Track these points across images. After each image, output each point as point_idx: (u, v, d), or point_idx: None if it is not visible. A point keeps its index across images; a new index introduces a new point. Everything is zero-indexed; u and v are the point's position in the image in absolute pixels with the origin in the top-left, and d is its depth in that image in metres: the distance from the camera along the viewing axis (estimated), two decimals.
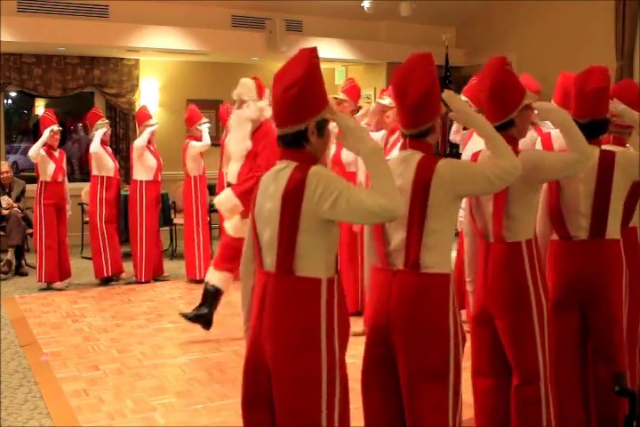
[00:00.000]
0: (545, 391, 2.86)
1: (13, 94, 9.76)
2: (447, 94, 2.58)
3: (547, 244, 3.22)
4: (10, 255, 7.48)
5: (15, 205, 7.78)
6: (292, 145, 2.32)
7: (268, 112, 4.95)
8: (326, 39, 9.61)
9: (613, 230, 3.13)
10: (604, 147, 3.19)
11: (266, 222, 2.34)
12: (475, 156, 2.97)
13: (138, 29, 8.50)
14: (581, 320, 3.18)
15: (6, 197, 7.79)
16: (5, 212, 7.68)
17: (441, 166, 2.48)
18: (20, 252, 7.64)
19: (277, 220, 2.28)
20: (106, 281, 7.04)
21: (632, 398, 2.53)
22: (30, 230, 7.75)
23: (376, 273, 2.65)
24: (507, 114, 2.82)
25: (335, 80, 10.84)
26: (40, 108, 9.99)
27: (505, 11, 9.92)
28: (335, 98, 5.52)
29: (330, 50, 9.65)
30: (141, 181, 7.03)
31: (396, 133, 5.04)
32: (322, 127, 2.31)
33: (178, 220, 8.53)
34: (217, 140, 7.83)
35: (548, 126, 4.76)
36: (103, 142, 6.99)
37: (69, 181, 7.31)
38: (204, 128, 7.10)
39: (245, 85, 5.05)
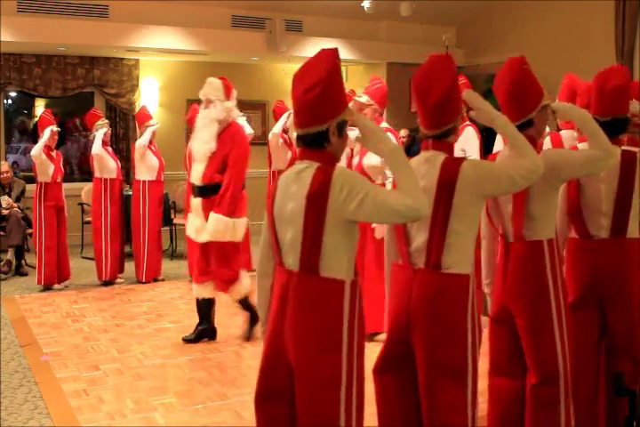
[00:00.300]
0: (565, 392, 2.84)
1: (13, 94, 9.76)
2: (468, 94, 2.60)
3: (565, 242, 3.23)
4: (10, 255, 7.49)
5: (15, 205, 7.79)
6: (312, 145, 2.33)
7: (236, 113, 4.94)
8: (326, 39, 9.61)
9: (633, 229, 3.15)
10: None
11: (288, 223, 2.34)
12: (493, 156, 2.99)
13: (138, 29, 8.51)
14: (600, 319, 3.18)
15: (6, 197, 7.80)
16: (5, 212, 7.68)
17: (465, 167, 2.51)
18: (20, 252, 7.64)
19: (301, 220, 2.29)
20: (107, 283, 7.03)
21: (632, 398, 2.53)
22: (30, 230, 7.76)
23: (397, 270, 2.69)
24: (526, 114, 2.83)
25: None
26: (40, 108, 9.99)
27: (505, 11, 9.92)
28: (358, 102, 5.30)
29: None
30: (144, 181, 7.03)
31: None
32: (342, 128, 2.33)
33: (178, 220, 8.54)
34: None
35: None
36: (104, 143, 6.98)
37: (69, 181, 7.31)
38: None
39: (212, 85, 4.96)
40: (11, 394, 4.14)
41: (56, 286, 6.85)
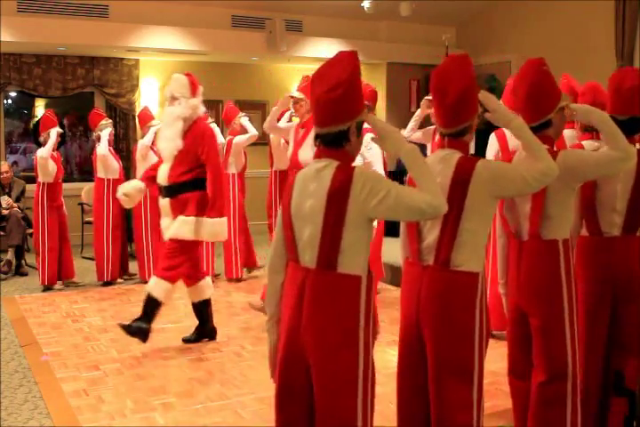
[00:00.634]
0: (572, 390, 2.86)
1: (13, 94, 9.76)
2: (483, 95, 2.63)
3: (575, 239, 3.25)
4: (10, 255, 7.49)
5: (15, 205, 7.79)
6: (331, 144, 2.37)
7: (202, 110, 4.86)
8: (326, 39, 9.62)
9: None
10: None
11: (306, 220, 2.38)
12: (509, 156, 3.02)
13: (138, 29, 8.51)
14: (610, 315, 3.20)
15: (6, 197, 7.80)
16: (5, 212, 7.68)
17: (480, 166, 2.54)
18: (20, 252, 7.64)
19: (321, 217, 2.32)
20: (108, 284, 7.03)
21: (632, 398, 2.53)
22: (30, 230, 7.76)
23: (408, 267, 2.73)
24: (545, 114, 2.86)
25: None
26: (40, 108, 9.99)
27: (505, 11, 9.92)
28: (292, 97, 5.41)
29: (330, 50, 9.63)
30: None
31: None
32: (360, 128, 2.39)
33: None
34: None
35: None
36: (108, 143, 6.99)
37: (69, 181, 7.31)
38: (214, 128, 7.09)
39: (178, 82, 4.90)
40: (11, 394, 4.14)
41: (56, 286, 6.85)
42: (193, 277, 4.96)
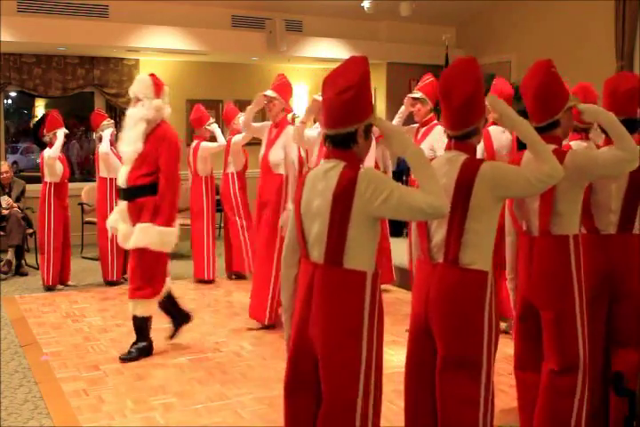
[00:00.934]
0: (582, 382, 2.91)
1: (13, 94, 9.77)
2: (491, 98, 2.70)
3: None
4: (10, 255, 7.49)
5: (15, 205, 7.78)
6: (340, 145, 2.45)
7: (167, 111, 4.71)
8: (326, 39, 9.62)
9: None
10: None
11: (314, 218, 2.47)
12: (518, 157, 3.07)
13: (138, 29, 8.51)
14: (607, 311, 3.25)
15: (6, 197, 7.79)
16: (5, 212, 7.68)
17: (484, 168, 2.59)
18: (20, 252, 7.64)
19: (327, 215, 2.42)
20: (112, 283, 7.03)
21: (632, 398, 2.54)
22: (30, 230, 7.76)
23: (419, 265, 2.80)
24: (552, 115, 2.93)
25: None
26: (40, 108, 10.00)
27: (505, 11, 9.92)
28: (265, 95, 5.34)
29: (330, 50, 9.65)
30: None
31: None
32: (368, 131, 2.47)
33: (177, 220, 8.51)
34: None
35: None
36: (110, 143, 7.00)
37: (69, 181, 7.30)
38: (216, 128, 7.10)
39: (142, 82, 4.75)
40: (11, 394, 4.14)
41: (58, 286, 6.86)
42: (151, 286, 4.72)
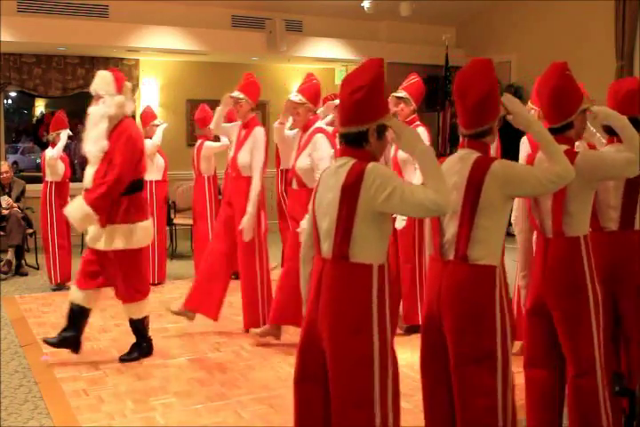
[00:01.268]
0: (602, 381, 2.96)
1: (13, 94, 9.77)
2: (506, 98, 2.74)
3: None
4: (10, 255, 7.49)
5: (15, 205, 7.79)
6: (352, 143, 2.52)
7: (129, 108, 4.58)
8: (326, 39, 9.62)
9: None
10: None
11: (325, 212, 2.53)
12: (531, 158, 3.13)
13: (138, 29, 8.52)
14: (613, 307, 3.30)
15: (6, 197, 7.80)
16: (5, 212, 7.68)
17: (495, 166, 2.63)
18: (20, 252, 7.64)
19: (335, 210, 2.47)
20: None
21: (632, 398, 2.54)
22: (30, 230, 7.76)
23: (431, 263, 2.85)
24: (567, 117, 3.00)
25: (335, 80, 10.85)
26: (40, 108, 10.00)
27: (505, 11, 9.93)
28: (232, 97, 5.26)
29: (330, 50, 9.66)
30: (151, 181, 7.03)
31: (310, 130, 4.84)
32: (381, 131, 2.51)
33: (178, 220, 8.53)
34: None
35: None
36: None
37: (70, 180, 7.31)
38: None
39: (102, 79, 4.61)
40: (11, 394, 4.14)
41: (67, 284, 6.88)
42: (86, 283, 4.61)
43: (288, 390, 4.14)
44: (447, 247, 2.71)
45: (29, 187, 8.17)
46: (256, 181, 5.11)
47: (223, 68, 9.86)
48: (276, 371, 4.52)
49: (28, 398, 4.09)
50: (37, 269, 7.73)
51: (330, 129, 5.93)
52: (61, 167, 6.82)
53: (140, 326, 4.77)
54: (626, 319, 3.30)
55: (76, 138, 10.35)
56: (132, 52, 9.05)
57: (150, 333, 4.85)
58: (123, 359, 4.71)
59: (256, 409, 3.91)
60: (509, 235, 3.02)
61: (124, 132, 4.46)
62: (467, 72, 2.75)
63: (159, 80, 9.69)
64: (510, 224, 3.40)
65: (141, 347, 4.79)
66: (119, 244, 4.47)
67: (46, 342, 4.63)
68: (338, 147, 5.59)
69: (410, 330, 5.14)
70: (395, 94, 5.40)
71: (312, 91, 4.99)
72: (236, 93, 5.24)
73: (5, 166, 7.99)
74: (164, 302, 6.35)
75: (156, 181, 7.06)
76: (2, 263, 7.46)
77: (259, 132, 5.21)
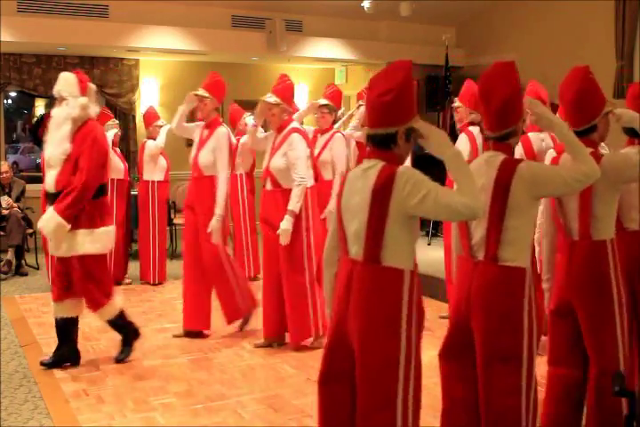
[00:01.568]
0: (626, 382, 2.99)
1: (13, 94, 9.78)
2: (530, 101, 2.79)
3: None
4: (10, 255, 7.50)
5: (15, 205, 7.79)
6: (380, 145, 2.51)
7: (93, 110, 4.49)
8: (326, 39, 9.62)
9: None
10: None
11: (353, 215, 2.53)
12: (556, 159, 3.18)
13: (138, 29, 8.51)
14: (633, 305, 3.33)
15: (6, 197, 7.80)
16: (5, 212, 7.68)
17: (522, 168, 2.66)
18: (20, 252, 7.65)
19: (366, 212, 2.47)
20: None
21: (632, 399, 2.53)
22: (30, 230, 7.76)
23: (460, 262, 2.87)
24: (591, 120, 3.06)
25: (335, 80, 10.85)
26: (40, 108, 10.00)
27: (505, 11, 9.92)
28: (196, 95, 5.14)
29: (330, 50, 9.66)
30: (153, 182, 7.03)
31: (285, 130, 4.79)
32: (409, 134, 2.50)
33: (178, 220, 8.53)
34: None
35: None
36: (113, 143, 6.99)
37: None
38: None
39: (65, 80, 4.53)
40: (11, 394, 4.14)
41: None
42: (66, 292, 4.51)
43: (288, 390, 4.16)
44: (477, 249, 2.75)
45: (29, 187, 8.17)
46: (222, 182, 5.03)
47: (223, 68, 9.79)
48: (276, 371, 4.52)
49: (28, 398, 4.09)
50: (37, 269, 7.73)
51: (311, 129, 5.95)
52: None
53: (116, 321, 4.65)
54: None
55: None
56: (131, 52, 9.05)
57: (149, 333, 4.82)
58: (119, 360, 4.68)
59: (256, 409, 3.91)
60: None
61: (88, 135, 4.37)
62: (490, 75, 2.79)
63: (159, 80, 9.69)
64: None
65: (128, 338, 4.72)
66: (82, 249, 4.36)
67: (43, 364, 4.55)
68: (316, 147, 5.66)
69: None
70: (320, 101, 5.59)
71: (286, 91, 4.94)
72: (202, 91, 5.15)
73: (5, 166, 7.99)
74: (164, 302, 6.36)
75: (159, 182, 7.07)
76: (2, 263, 7.46)
77: (222, 131, 5.13)
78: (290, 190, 4.72)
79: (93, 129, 4.43)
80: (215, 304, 5.22)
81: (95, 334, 5.36)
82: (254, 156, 7.13)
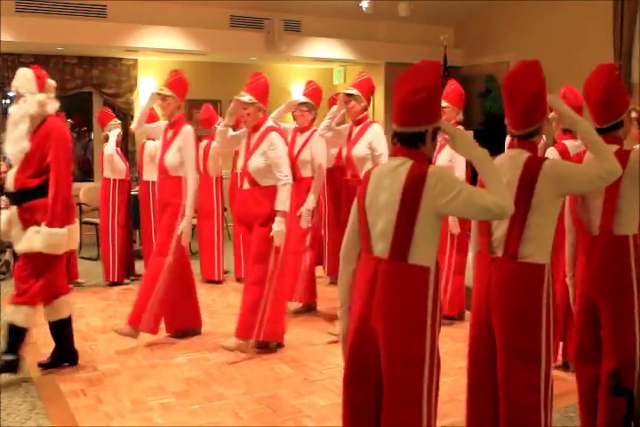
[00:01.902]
0: (639, 378, 3.01)
1: (12, 94, 9.76)
2: (552, 99, 2.82)
3: None
4: (8, 256, 7.48)
5: None
6: (408, 144, 2.53)
7: (52, 106, 4.35)
8: (325, 39, 9.62)
9: None
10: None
11: (380, 213, 2.54)
12: (578, 156, 3.20)
13: (136, 29, 8.51)
14: None
15: (4, 198, 7.78)
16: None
17: (547, 166, 2.70)
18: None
19: (394, 210, 2.49)
20: (114, 284, 7.04)
21: (630, 398, 2.54)
22: None
23: (478, 259, 2.90)
24: (617, 116, 3.10)
25: (333, 80, 10.85)
26: None
27: (504, 11, 9.92)
28: (159, 94, 5.10)
29: (328, 50, 9.65)
30: (153, 182, 7.00)
31: (261, 129, 4.74)
32: (436, 133, 2.55)
33: None
34: None
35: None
36: (116, 143, 6.99)
37: None
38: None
39: (22, 76, 4.40)
40: (9, 394, 4.13)
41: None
42: (49, 296, 4.37)
43: (286, 391, 4.16)
44: (496, 245, 2.77)
45: None
46: (191, 181, 4.94)
47: (222, 68, 9.86)
48: (275, 371, 4.52)
49: (27, 398, 4.08)
50: None
51: (290, 126, 5.91)
52: None
53: (58, 329, 4.49)
54: None
55: (73, 138, 10.36)
56: (130, 52, 9.05)
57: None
58: (40, 365, 4.49)
59: (254, 409, 3.91)
60: None
61: (51, 132, 4.23)
62: (515, 74, 2.81)
63: (157, 80, 9.67)
64: None
65: (59, 352, 4.53)
66: (56, 250, 4.24)
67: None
68: (296, 145, 5.62)
69: None
70: (345, 91, 5.28)
71: (260, 89, 4.88)
72: (164, 90, 5.07)
73: (4, 166, 7.98)
74: None
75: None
76: (0, 264, 7.45)
77: (187, 130, 5.03)
78: (268, 188, 4.66)
79: (55, 126, 4.30)
80: (208, 302, 5.22)
81: (93, 334, 5.36)
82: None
